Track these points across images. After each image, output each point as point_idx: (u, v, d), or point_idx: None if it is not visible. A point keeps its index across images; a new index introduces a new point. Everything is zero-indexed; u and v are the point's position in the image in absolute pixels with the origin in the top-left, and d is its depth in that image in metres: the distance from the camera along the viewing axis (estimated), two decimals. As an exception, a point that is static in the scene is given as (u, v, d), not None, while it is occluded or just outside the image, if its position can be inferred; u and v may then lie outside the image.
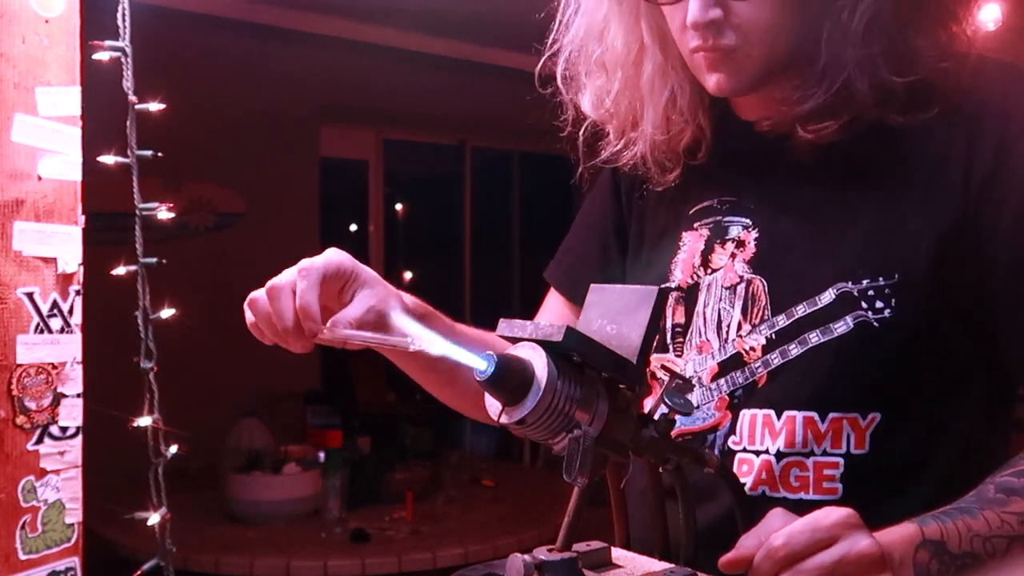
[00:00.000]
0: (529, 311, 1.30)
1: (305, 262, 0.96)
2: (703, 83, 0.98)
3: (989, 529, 0.83)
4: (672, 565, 0.83)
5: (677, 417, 0.84)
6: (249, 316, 0.98)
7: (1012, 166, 0.89)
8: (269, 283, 0.96)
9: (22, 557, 1.07)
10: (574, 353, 0.74)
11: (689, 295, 1.04)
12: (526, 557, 0.75)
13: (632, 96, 1.06)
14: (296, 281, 0.94)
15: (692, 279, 1.04)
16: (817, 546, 0.77)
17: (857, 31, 0.88)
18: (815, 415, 0.94)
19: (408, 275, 5.84)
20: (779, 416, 0.96)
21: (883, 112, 0.91)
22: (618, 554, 0.85)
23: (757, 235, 1.00)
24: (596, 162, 1.14)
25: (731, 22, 0.91)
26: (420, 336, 0.81)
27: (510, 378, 0.72)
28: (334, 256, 0.98)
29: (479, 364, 0.72)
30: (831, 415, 0.94)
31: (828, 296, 0.94)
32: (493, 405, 0.76)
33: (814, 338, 0.94)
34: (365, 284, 0.99)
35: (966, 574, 0.81)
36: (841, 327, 0.93)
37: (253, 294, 0.98)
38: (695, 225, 1.06)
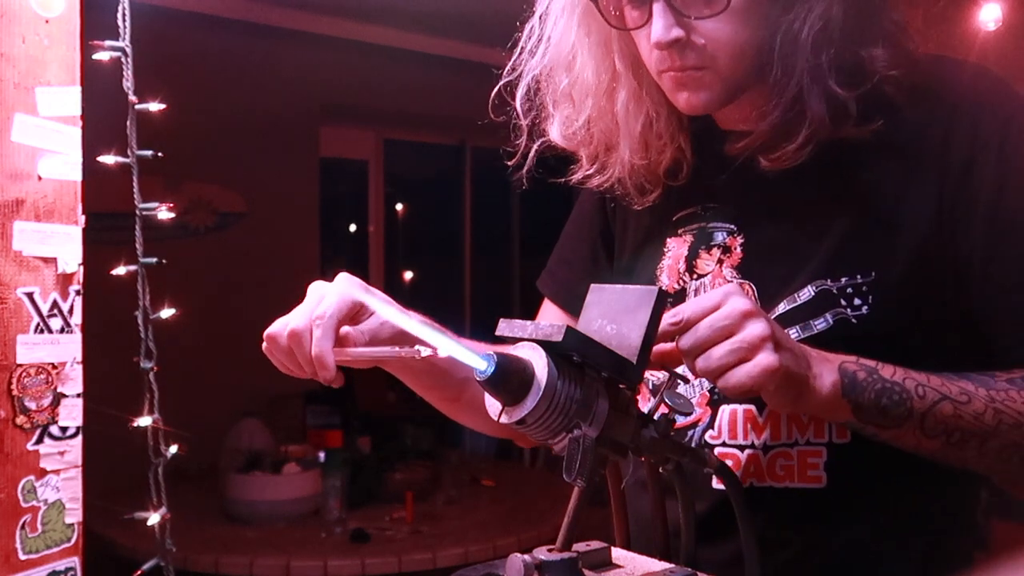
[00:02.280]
0: (529, 311, 1.30)
1: (317, 298, 0.97)
2: (674, 102, 0.99)
3: (927, 381, 0.87)
4: (672, 565, 0.83)
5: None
6: (267, 346, 1.00)
7: (984, 162, 0.91)
8: (289, 328, 0.97)
9: (22, 557, 1.07)
10: (574, 353, 0.74)
11: (676, 300, 1.05)
12: (526, 557, 0.75)
13: (606, 123, 1.06)
14: (312, 327, 0.95)
15: (679, 284, 1.05)
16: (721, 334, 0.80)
17: (806, 42, 0.89)
18: None
19: (408, 275, 5.83)
20: (761, 411, 0.97)
21: (837, 129, 0.92)
22: (618, 554, 0.85)
23: (743, 240, 1.01)
24: (564, 180, 1.14)
25: (695, 41, 0.92)
26: (430, 338, 0.81)
27: (510, 378, 0.72)
28: (346, 289, 0.98)
29: (479, 364, 0.72)
30: None
31: (807, 293, 0.95)
32: (493, 405, 0.76)
33: (794, 335, 0.95)
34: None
35: (887, 400, 0.85)
36: (820, 324, 0.94)
37: (270, 331, 0.99)
38: (679, 231, 1.07)
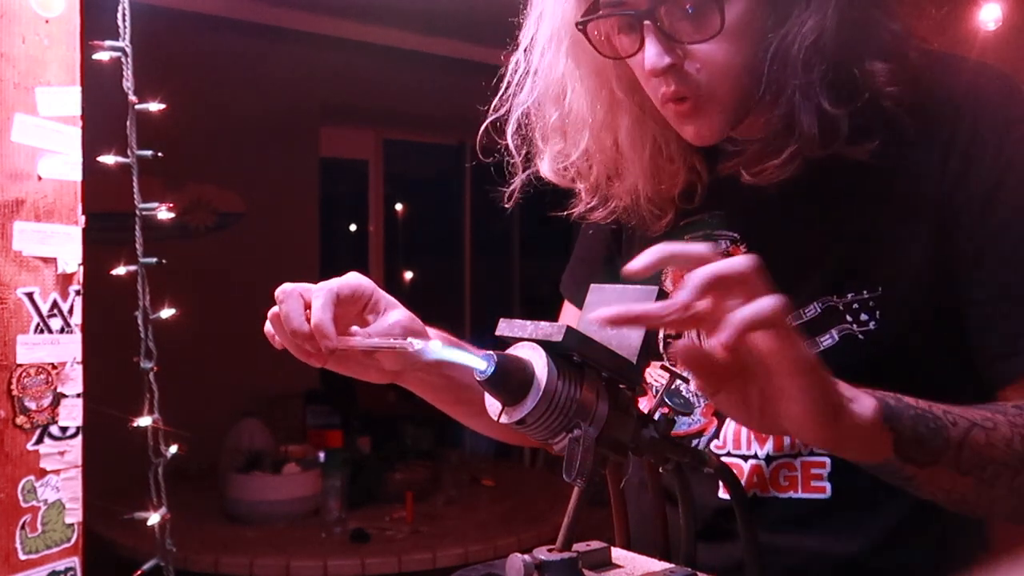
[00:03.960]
0: (529, 311, 1.30)
1: (322, 283, 0.96)
2: (682, 134, 0.97)
3: (952, 408, 0.80)
4: (672, 565, 0.83)
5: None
6: (268, 327, 0.98)
7: (981, 163, 0.89)
8: (288, 288, 0.95)
9: (22, 557, 1.07)
10: (574, 353, 0.74)
11: None
12: (526, 557, 0.75)
13: (607, 154, 1.04)
14: (311, 296, 0.94)
15: None
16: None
17: (797, 57, 0.86)
18: None
19: (408, 275, 5.84)
20: None
21: (827, 147, 0.89)
22: (618, 554, 0.85)
23: (746, 250, 1.00)
24: (564, 214, 1.12)
25: (689, 66, 0.90)
26: (428, 343, 0.81)
27: (510, 378, 0.72)
28: (352, 278, 0.98)
29: (479, 364, 0.72)
30: None
31: (813, 309, 0.94)
32: (493, 405, 0.76)
33: None
34: (390, 306, 1.00)
35: (923, 428, 0.77)
36: (827, 340, 0.93)
37: (274, 309, 0.97)
38: (685, 237, 1.06)
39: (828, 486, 0.94)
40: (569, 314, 1.24)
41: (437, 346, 0.79)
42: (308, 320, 0.94)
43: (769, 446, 0.96)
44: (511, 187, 1.10)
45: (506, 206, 1.12)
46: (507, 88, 1.05)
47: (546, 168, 1.07)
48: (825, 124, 0.88)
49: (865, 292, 0.92)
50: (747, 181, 0.94)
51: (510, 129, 1.06)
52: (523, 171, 1.08)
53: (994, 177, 0.89)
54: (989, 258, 0.90)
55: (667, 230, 1.08)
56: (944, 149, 0.91)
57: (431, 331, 1.05)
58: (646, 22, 0.88)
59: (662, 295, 0.79)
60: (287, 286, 0.95)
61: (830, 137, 0.89)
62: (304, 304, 0.95)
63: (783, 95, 0.88)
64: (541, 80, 1.04)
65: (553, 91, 1.03)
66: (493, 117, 1.06)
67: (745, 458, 0.98)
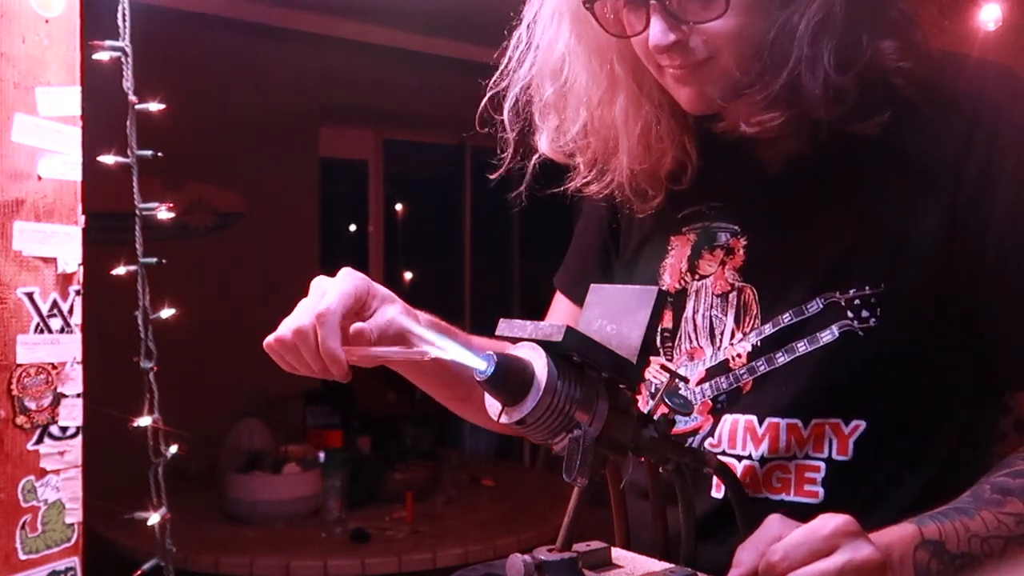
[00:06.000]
0: (529, 312, 1.31)
1: (320, 294, 0.95)
2: (677, 99, 0.97)
3: (986, 530, 0.83)
4: (672, 565, 0.83)
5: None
6: (274, 347, 0.96)
7: (1001, 172, 0.89)
8: (293, 327, 0.94)
9: (22, 557, 1.07)
10: (574, 353, 0.74)
11: (677, 300, 1.04)
12: (526, 557, 0.75)
13: (604, 130, 1.04)
14: (316, 327, 0.93)
15: (680, 284, 1.04)
16: (816, 556, 0.76)
17: (805, 33, 0.87)
18: (798, 422, 0.94)
19: (408, 275, 5.83)
20: (761, 422, 0.96)
21: (835, 113, 0.90)
22: (618, 554, 0.85)
23: (747, 243, 1.00)
24: (561, 190, 1.12)
25: (695, 40, 0.90)
26: (432, 342, 0.81)
27: (510, 378, 0.72)
28: (348, 286, 0.96)
29: (479, 364, 0.72)
30: (813, 421, 0.94)
31: (816, 305, 0.94)
32: (493, 405, 0.76)
33: (801, 347, 0.94)
34: (384, 300, 0.99)
35: (964, 574, 0.81)
36: (827, 336, 0.93)
37: (278, 334, 0.95)
38: (683, 230, 1.06)
39: (821, 491, 0.94)
40: (560, 306, 1.24)
41: (442, 347, 0.79)
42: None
43: (764, 447, 0.95)
44: (507, 164, 1.10)
45: (508, 196, 1.12)
46: (508, 62, 1.06)
47: (544, 144, 1.08)
48: (830, 89, 0.88)
49: (868, 288, 0.92)
50: (744, 132, 0.94)
51: (507, 104, 1.06)
52: (518, 147, 1.09)
53: (1015, 189, 0.89)
54: (1011, 270, 0.90)
55: (658, 213, 1.08)
56: (962, 152, 0.90)
57: (422, 316, 1.04)
58: (652, 1, 0.89)
59: (662, 295, 0.79)
60: (303, 327, 0.93)
61: (835, 102, 0.89)
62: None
63: (786, 69, 0.88)
64: (541, 55, 1.04)
65: (552, 66, 1.04)
66: (492, 92, 1.06)
67: (739, 458, 0.97)
